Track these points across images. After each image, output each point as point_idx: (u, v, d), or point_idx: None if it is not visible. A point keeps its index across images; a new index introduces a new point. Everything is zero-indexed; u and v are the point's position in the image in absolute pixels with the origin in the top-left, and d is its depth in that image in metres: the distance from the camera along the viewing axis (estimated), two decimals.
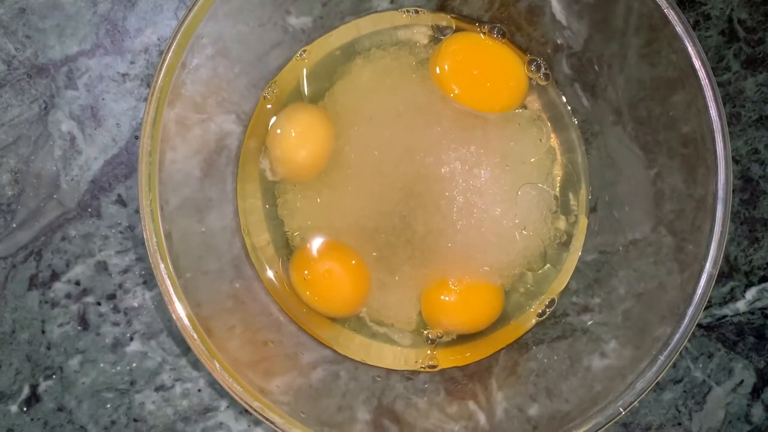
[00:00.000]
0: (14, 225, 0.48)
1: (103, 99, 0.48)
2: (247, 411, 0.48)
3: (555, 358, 0.44)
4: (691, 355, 0.51)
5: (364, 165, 0.45)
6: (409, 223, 0.45)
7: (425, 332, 0.46)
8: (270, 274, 0.46)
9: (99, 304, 0.48)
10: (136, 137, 0.49)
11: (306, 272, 0.45)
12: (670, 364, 0.37)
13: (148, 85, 0.49)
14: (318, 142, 0.45)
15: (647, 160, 0.42)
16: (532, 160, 0.46)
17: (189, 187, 0.41)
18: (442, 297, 0.45)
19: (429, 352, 0.46)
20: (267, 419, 0.36)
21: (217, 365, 0.36)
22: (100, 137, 0.48)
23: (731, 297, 0.51)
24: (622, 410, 0.37)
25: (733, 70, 0.51)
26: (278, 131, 0.45)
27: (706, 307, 0.43)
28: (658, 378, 0.37)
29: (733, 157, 0.37)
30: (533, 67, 0.47)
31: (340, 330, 0.47)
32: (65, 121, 0.48)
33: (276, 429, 0.36)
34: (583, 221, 0.47)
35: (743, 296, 0.51)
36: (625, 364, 0.39)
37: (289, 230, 0.46)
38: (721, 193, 0.36)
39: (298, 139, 0.45)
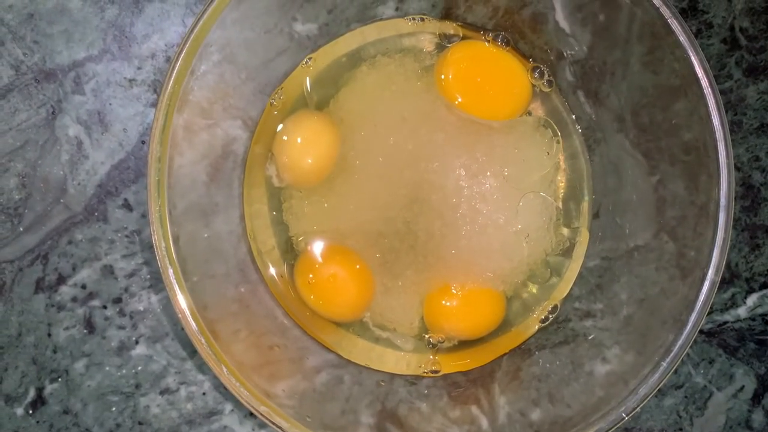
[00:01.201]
0: (21, 229, 0.49)
1: (110, 104, 0.49)
2: (251, 414, 0.48)
3: (557, 363, 0.44)
4: (692, 361, 0.51)
5: (369, 171, 0.45)
6: (413, 229, 0.45)
7: (426, 336, 0.47)
8: (275, 278, 0.46)
9: (105, 307, 0.49)
10: (143, 142, 0.49)
11: (311, 276, 0.45)
12: (673, 369, 0.37)
13: (155, 91, 0.49)
14: (324, 149, 0.45)
15: (649, 167, 0.42)
16: (536, 178, 0.46)
17: (196, 192, 0.41)
18: (444, 302, 0.46)
19: (431, 357, 0.46)
20: (273, 423, 0.36)
21: (224, 369, 0.36)
22: (107, 142, 0.49)
23: (732, 303, 0.52)
24: (624, 416, 0.37)
25: (734, 78, 0.51)
26: (284, 138, 0.45)
27: (708, 314, 0.43)
28: (661, 384, 0.37)
29: (734, 165, 0.37)
30: (536, 74, 0.47)
31: (344, 334, 0.47)
32: (72, 125, 0.49)
33: None
34: (585, 228, 0.47)
35: (744, 302, 0.52)
36: (628, 369, 0.39)
37: (294, 235, 0.46)
38: (723, 200, 0.36)
39: (304, 146, 0.45)
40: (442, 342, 0.47)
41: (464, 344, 0.47)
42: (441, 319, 0.46)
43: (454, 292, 0.46)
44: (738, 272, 0.52)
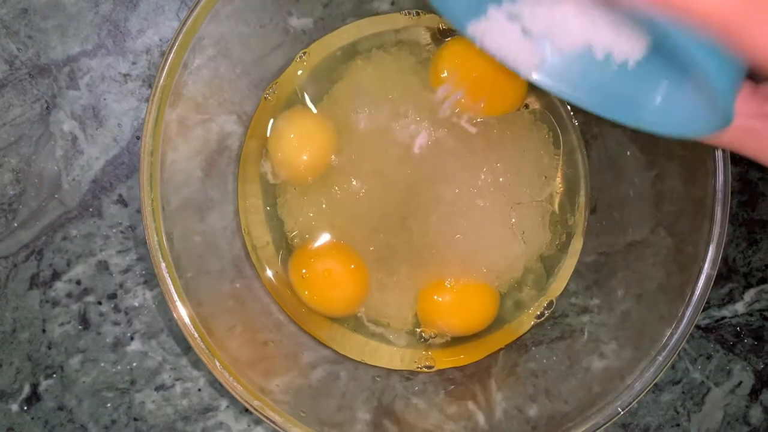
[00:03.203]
0: (15, 224, 0.48)
1: (104, 99, 0.49)
2: (247, 410, 0.48)
3: (554, 358, 0.44)
4: (689, 357, 0.51)
5: (364, 166, 0.45)
6: (408, 224, 0.45)
7: (419, 331, 0.46)
8: (270, 274, 0.46)
9: (100, 303, 0.49)
10: (138, 137, 0.49)
11: (304, 271, 0.45)
12: (669, 364, 0.37)
13: (150, 86, 0.49)
14: (320, 145, 0.45)
15: (646, 161, 0.42)
16: (533, 172, 0.46)
17: (190, 187, 0.41)
18: (437, 297, 0.45)
19: (425, 352, 0.46)
20: (267, 418, 0.36)
21: (218, 364, 0.36)
22: (102, 137, 0.49)
23: (730, 299, 0.51)
24: (620, 411, 0.37)
25: None
26: (279, 134, 0.45)
27: (705, 309, 0.43)
28: (657, 379, 0.37)
29: (731, 159, 0.37)
30: None
31: (338, 329, 0.47)
32: (67, 121, 0.48)
33: (276, 428, 0.36)
34: (582, 223, 0.47)
35: (742, 298, 0.51)
36: (624, 364, 0.39)
37: (288, 230, 0.46)
38: (719, 195, 0.36)
39: (299, 142, 0.45)
40: (434, 337, 0.47)
41: (458, 339, 0.47)
42: (434, 315, 0.46)
43: (448, 287, 0.45)
44: (736, 267, 0.51)
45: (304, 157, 0.45)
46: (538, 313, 0.47)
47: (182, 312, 0.36)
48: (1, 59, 0.48)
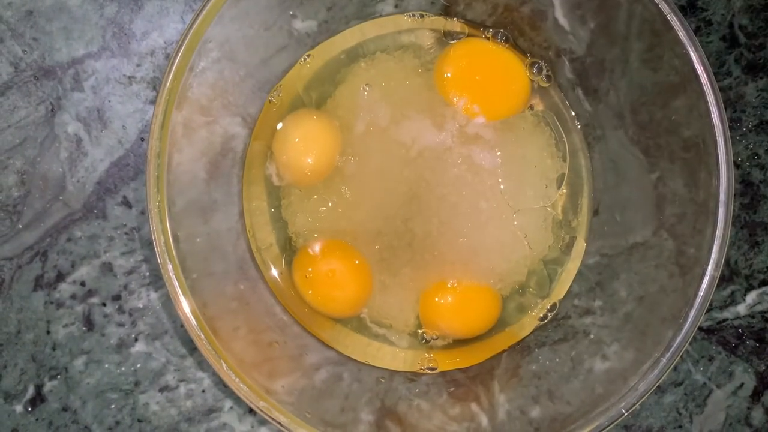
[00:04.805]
0: (20, 226, 0.49)
1: (109, 101, 0.49)
2: (251, 411, 0.48)
3: (557, 360, 0.44)
4: (692, 358, 0.51)
5: (368, 169, 0.45)
6: (410, 226, 0.45)
7: (420, 332, 0.47)
8: (274, 274, 0.46)
9: (104, 304, 0.49)
10: (142, 139, 0.49)
11: (309, 270, 0.45)
12: (672, 366, 0.37)
13: (155, 88, 0.49)
14: (324, 148, 0.45)
15: (649, 164, 0.42)
16: (536, 175, 0.46)
17: (195, 188, 0.41)
18: (438, 299, 0.46)
19: (427, 354, 0.46)
20: (273, 419, 0.36)
21: (224, 365, 0.36)
22: (106, 139, 0.49)
23: (732, 301, 0.52)
24: (624, 412, 0.37)
25: (734, 75, 0.51)
26: (284, 137, 0.45)
27: (707, 311, 0.43)
28: (660, 380, 0.37)
29: (733, 162, 0.37)
30: (535, 70, 0.47)
31: (341, 330, 0.47)
32: (71, 123, 0.49)
33: (281, 429, 0.36)
34: (585, 226, 0.47)
35: (744, 300, 0.52)
36: (627, 366, 0.39)
37: (292, 231, 0.46)
38: (722, 197, 0.36)
39: (304, 145, 0.45)
40: (436, 339, 0.47)
41: (460, 341, 0.47)
42: (436, 317, 0.46)
43: (450, 289, 0.46)
44: (737, 270, 0.52)
45: (309, 160, 0.45)
46: (541, 315, 0.47)
47: (188, 313, 0.36)
48: (6, 61, 0.48)
